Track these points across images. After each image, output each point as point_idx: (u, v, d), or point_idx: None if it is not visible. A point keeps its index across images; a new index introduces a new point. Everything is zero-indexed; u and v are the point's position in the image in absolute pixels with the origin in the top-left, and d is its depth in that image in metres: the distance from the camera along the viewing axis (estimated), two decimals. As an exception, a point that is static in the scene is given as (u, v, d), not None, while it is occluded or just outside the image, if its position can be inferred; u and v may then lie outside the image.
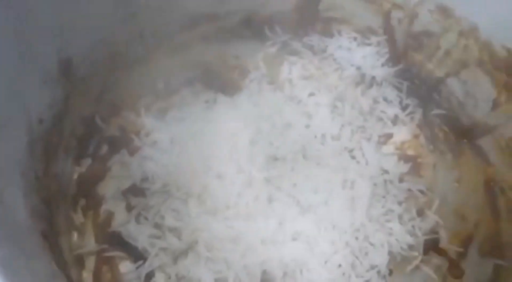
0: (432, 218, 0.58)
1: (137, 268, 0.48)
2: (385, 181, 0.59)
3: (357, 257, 0.52)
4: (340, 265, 0.51)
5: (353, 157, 0.60)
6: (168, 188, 0.52)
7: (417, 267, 0.54)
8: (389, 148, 0.63)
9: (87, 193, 0.51)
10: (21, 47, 0.39)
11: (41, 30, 0.41)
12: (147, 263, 0.48)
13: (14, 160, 0.36)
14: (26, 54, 0.40)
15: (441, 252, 0.56)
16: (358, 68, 0.68)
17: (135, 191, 0.52)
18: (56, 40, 0.45)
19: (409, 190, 0.59)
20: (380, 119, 0.65)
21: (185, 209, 0.51)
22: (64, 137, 0.49)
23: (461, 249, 0.56)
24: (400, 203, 0.57)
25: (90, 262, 0.48)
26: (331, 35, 0.71)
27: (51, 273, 0.33)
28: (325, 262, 0.51)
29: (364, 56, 0.70)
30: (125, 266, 0.48)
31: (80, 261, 0.47)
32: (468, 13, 0.61)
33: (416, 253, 0.55)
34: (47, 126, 0.44)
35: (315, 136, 0.59)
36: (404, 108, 0.67)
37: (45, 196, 0.41)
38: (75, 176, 0.52)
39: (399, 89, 0.68)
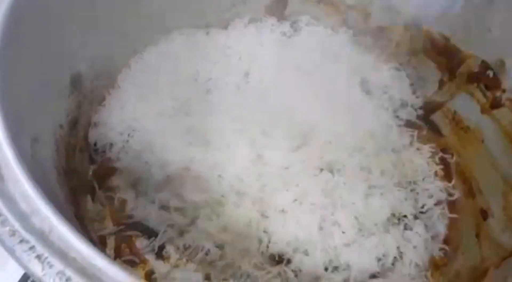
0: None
1: (150, 243, 0.58)
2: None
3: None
4: None
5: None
6: (169, 177, 0.62)
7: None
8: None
9: (102, 185, 0.61)
10: (43, 68, 0.49)
11: (56, 53, 0.51)
12: (158, 238, 0.57)
13: (49, 157, 0.46)
14: (47, 73, 0.50)
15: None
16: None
17: (142, 181, 0.62)
18: (68, 60, 0.55)
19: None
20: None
21: (185, 193, 0.61)
22: (78, 140, 0.58)
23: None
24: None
25: (111, 241, 0.57)
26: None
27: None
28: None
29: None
30: (141, 242, 0.58)
31: (102, 241, 0.57)
32: (410, 8, 0.73)
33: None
34: (65, 130, 0.53)
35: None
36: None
37: (72, 186, 0.51)
38: (90, 172, 0.61)
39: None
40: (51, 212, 0.33)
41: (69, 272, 0.29)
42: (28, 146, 0.41)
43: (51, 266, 0.28)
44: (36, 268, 0.28)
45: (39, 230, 0.31)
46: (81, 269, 0.29)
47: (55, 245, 0.30)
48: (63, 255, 0.30)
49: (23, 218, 0.31)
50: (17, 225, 0.30)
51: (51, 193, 0.41)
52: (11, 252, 0.29)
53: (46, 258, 0.29)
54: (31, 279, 0.57)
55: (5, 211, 0.31)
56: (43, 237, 0.30)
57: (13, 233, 0.30)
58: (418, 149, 0.71)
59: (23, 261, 0.29)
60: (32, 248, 0.29)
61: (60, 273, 0.28)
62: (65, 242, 0.31)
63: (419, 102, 0.76)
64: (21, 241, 0.29)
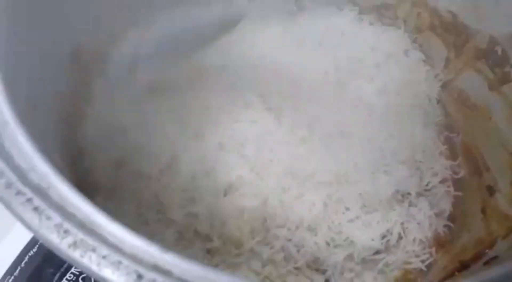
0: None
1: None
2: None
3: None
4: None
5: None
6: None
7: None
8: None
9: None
10: (42, 36, 0.48)
11: (56, 29, 0.50)
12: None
13: (49, 125, 0.45)
14: (46, 42, 0.49)
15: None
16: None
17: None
18: (66, 33, 0.53)
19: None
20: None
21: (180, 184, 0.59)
22: (78, 110, 0.57)
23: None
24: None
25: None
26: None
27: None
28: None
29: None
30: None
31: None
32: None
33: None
34: (66, 100, 0.53)
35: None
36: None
37: (72, 155, 0.50)
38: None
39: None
40: (50, 169, 0.32)
41: (67, 225, 0.28)
42: (27, 110, 0.40)
43: (48, 218, 0.27)
44: (32, 219, 0.27)
45: (36, 185, 0.30)
46: (81, 223, 0.29)
47: (53, 200, 0.29)
48: (61, 209, 0.29)
49: (20, 172, 0.30)
50: (14, 178, 0.29)
51: (49, 155, 0.40)
52: (6, 204, 0.28)
53: (43, 210, 0.28)
54: (31, 251, 0.57)
55: (0, 164, 0.30)
56: (40, 191, 0.29)
57: (9, 185, 0.28)
58: (424, 127, 0.70)
59: (17, 212, 0.27)
60: (29, 200, 0.28)
61: (58, 225, 0.27)
62: (64, 199, 0.30)
63: (425, 80, 0.75)
64: (18, 193, 0.28)
